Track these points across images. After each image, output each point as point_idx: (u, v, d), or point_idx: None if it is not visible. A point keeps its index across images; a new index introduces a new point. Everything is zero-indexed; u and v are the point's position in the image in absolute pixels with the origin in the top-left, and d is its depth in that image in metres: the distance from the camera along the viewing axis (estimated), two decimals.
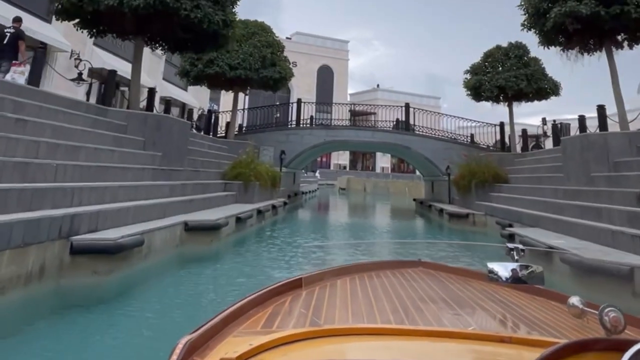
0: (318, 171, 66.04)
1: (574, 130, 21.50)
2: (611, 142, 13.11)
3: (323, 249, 12.01)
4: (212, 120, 25.96)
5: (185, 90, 38.35)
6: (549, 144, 26.08)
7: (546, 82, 23.09)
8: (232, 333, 1.96)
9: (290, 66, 26.09)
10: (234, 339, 1.85)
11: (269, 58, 24.02)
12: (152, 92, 18.86)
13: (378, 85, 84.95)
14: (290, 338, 1.74)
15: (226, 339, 1.87)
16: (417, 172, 72.60)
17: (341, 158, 77.11)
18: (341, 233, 18.21)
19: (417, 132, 27.64)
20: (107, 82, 15.62)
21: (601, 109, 16.08)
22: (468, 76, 25.29)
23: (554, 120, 24.12)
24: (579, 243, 10.13)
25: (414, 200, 33.12)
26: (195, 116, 28.36)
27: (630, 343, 1.26)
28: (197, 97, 38.86)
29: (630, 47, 15.04)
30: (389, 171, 74.85)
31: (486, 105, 24.88)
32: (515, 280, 2.38)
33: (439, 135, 27.42)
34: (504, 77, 23.11)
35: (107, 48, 25.91)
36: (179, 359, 1.57)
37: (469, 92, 24.84)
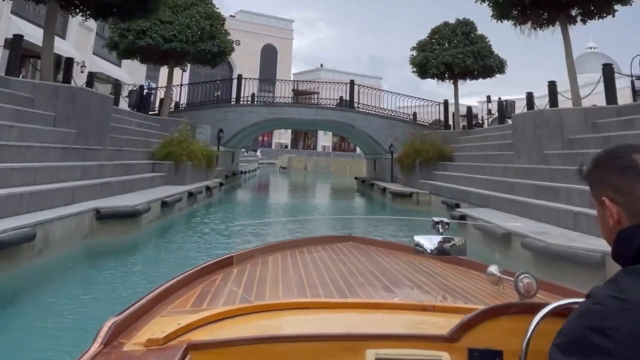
0: (259, 150, 64.45)
1: (520, 109, 20.90)
2: (566, 119, 12.31)
3: (258, 229, 11.00)
4: (144, 96, 23.84)
5: (119, 66, 35.82)
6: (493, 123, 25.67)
7: (492, 60, 22.54)
8: (160, 313, 1.91)
9: (234, 45, 24.38)
10: (161, 319, 1.80)
11: (207, 31, 22.22)
12: (69, 62, 16.81)
13: (322, 65, 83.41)
14: (219, 316, 1.75)
15: (154, 319, 1.81)
16: (358, 151, 72.43)
17: (283, 137, 75.86)
18: (278, 213, 16.93)
19: (361, 110, 26.51)
20: (12, 48, 13.55)
21: (552, 85, 15.33)
22: (414, 53, 24.40)
23: (499, 98, 23.51)
24: (537, 226, 9.22)
25: (356, 178, 32.16)
26: (125, 92, 26.08)
27: (540, 306, 1.46)
28: (132, 74, 36.36)
29: (584, 22, 14.34)
30: (330, 150, 74.09)
31: (428, 87, 24.30)
32: (440, 252, 2.47)
33: (383, 113, 26.36)
34: (451, 53, 22.37)
35: (27, 17, 23.32)
36: (104, 342, 1.51)
37: (415, 69, 24.03)
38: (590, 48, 69.74)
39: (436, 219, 2.61)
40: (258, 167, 45.54)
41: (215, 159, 22.25)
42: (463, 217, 11.31)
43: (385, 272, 2.77)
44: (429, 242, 2.49)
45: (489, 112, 25.82)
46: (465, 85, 24.24)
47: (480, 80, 23.46)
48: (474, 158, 17.58)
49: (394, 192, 19.18)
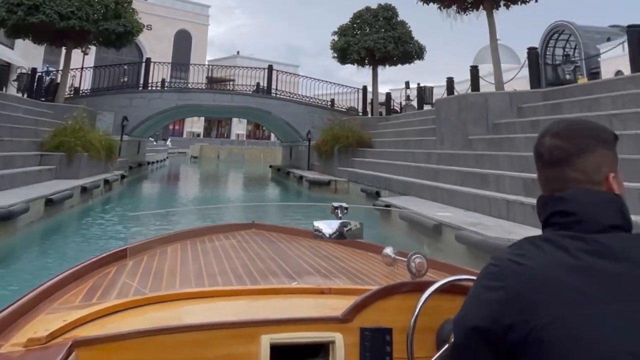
0: (169, 139, 61.72)
1: (439, 96, 20.55)
2: (491, 102, 11.79)
3: (162, 221, 9.86)
4: (38, 81, 21.42)
5: (11, 47, 32.49)
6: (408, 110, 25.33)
7: (412, 45, 22.15)
8: (45, 310, 1.81)
9: (145, 29, 22.36)
10: (46, 317, 1.71)
11: (112, 9, 19.97)
12: None
13: (238, 52, 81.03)
14: (110, 310, 1.68)
15: (37, 317, 1.72)
16: (273, 139, 71.41)
17: (195, 125, 73.33)
18: (185, 206, 15.54)
19: (279, 96, 25.31)
20: None
21: (474, 70, 14.90)
22: (336, 38, 23.55)
23: (418, 84, 23.12)
24: (468, 215, 8.54)
25: (271, 167, 31.05)
26: (13, 76, 23.38)
27: (429, 284, 1.57)
28: (27, 57, 33.10)
29: (507, 6, 13.99)
30: (245, 138, 72.52)
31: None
32: (338, 236, 2.48)
33: (301, 99, 25.30)
34: (373, 38, 21.71)
35: None
36: None
37: (336, 54, 23.26)
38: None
39: (335, 204, 2.58)
40: (167, 157, 43.23)
41: (118, 149, 20.47)
42: (388, 207, 10.53)
43: (285, 258, 2.78)
44: (328, 226, 2.48)
45: (408, 98, 25.41)
46: (384, 72, 23.89)
47: (400, 66, 23.10)
48: (394, 144, 16.95)
49: (311, 181, 18.26)
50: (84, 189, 12.71)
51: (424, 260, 1.93)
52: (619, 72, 18.27)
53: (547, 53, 39.15)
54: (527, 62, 13.21)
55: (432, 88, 22.70)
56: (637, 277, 1.06)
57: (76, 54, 21.86)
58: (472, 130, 11.77)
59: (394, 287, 1.67)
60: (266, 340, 1.50)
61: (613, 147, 1.25)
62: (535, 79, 12.59)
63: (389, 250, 2.31)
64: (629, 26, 11.08)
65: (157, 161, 34.86)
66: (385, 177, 13.83)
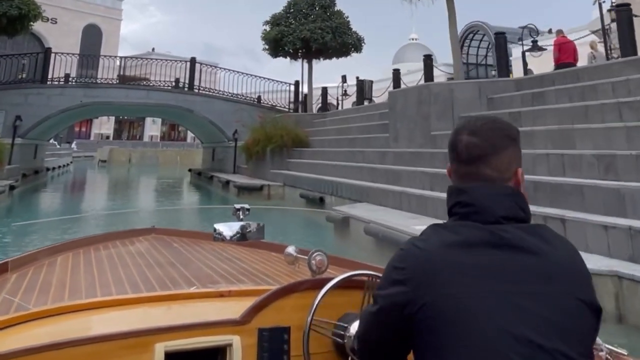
0: (75, 142, 57.21)
1: (380, 91, 18.93)
2: (458, 93, 10.18)
3: (54, 231, 8.55)
4: None
5: None
6: (347, 104, 23.73)
7: (350, 37, 20.70)
8: None
9: (50, 22, 19.20)
10: None
11: None
12: None
13: (153, 49, 76.65)
14: None
15: None
16: (189, 139, 68.32)
17: (104, 127, 69.31)
18: (88, 223, 13.03)
19: (203, 92, 22.86)
20: None
21: (428, 59, 13.36)
22: (267, 27, 21.62)
23: (357, 77, 21.43)
24: None
25: (190, 170, 28.42)
26: None
27: (327, 280, 1.60)
28: None
29: None
30: (159, 140, 69.28)
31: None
32: (240, 238, 2.53)
33: (227, 95, 22.87)
34: (309, 28, 19.95)
35: None
36: None
37: (267, 46, 21.38)
38: (413, 39, 74.48)
39: (237, 206, 2.60)
40: (71, 162, 39.40)
41: (9, 154, 17.48)
42: (346, 219, 8.72)
43: (185, 262, 2.72)
44: (229, 228, 2.48)
45: (345, 93, 23.64)
46: (318, 66, 21.96)
47: (334, 60, 21.53)
48: (336, 143, 15.12)
49: (240, 186, 16.09)
50: None
51: (325, 257, 1.96)
52: (529, 71, 17.71)
53: (463, 52, 39.57)
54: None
55: (371, 82, 21.10)
56: (521, 263, 1.18)
57: None
58: (436, 125, 10.13)
59: (292, 285, 1.69)
60: (160, 349, 1.46)
61: (519, 143, 1.35)
62: (504, 68, 11.15)
63: (291, 249, 2.31)
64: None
65: (60, 166, 31.33)
66: (329, 181, 11.98)
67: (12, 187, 15.20)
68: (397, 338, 1.25)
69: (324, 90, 22.21)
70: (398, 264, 1.25)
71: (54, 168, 28.26)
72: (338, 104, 24.27)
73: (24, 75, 23.39)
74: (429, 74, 13.32)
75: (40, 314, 1.68)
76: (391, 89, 14.39)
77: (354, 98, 23.37)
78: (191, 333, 1.51)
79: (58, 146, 40.80)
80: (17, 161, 18.37)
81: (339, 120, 17.56)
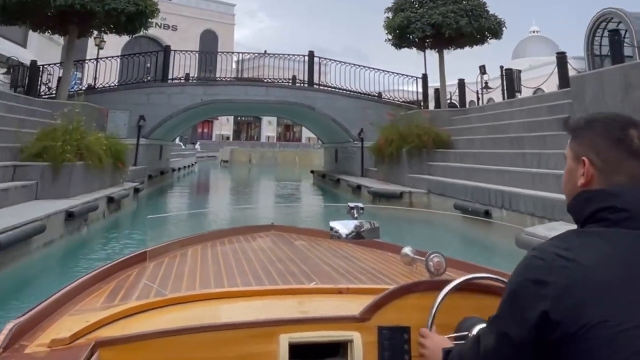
0: (199, 143, 58.35)
1: (530, 81, 15.95)
2: None
3: (182, 225, 8.03)
4: (32, 75, 17.60)
5: (24, 46, 28.89)
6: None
7: (488, 20, 17.62)
8: (68, 313, 1.79)
9: (171, 30, 18.54)
10: (69, 319, 1.70)
11: None
12: None
13: (266, 52, 77.42)
14: (131, 311, 1.69)
15: (61, 319, 1.71)
16: (304, 140, 67.53)
17: (224, 128, 70.63)
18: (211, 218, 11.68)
19: (325, 89, 21.09)
20: None
21: (561, 55, 10.45)
22: (390, 15, 19.11)
23: (502, 67, 18.39)
24: None
25: (313, 172, 26.70)
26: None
27: (447, 282, 1.55)
28: (42, 56, 29.50)
29: None
30: (275, 141, 69.39)
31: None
32: (356, 236, 2.49)
33: (351, 92, 20.75)
34: (440, 12, 17.21)
35: None
36: (3, 346, 1.41)
37: (391, 36, 18.86)
38: (534, 32, 69.43)
39: (352, 205, 2.57)
40: (196, 162, 39.56)
41: (134, 155, 16.60)
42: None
43: (304, 259, 2.76)
44: (345, 227, 2.46)
45: (486, 85, 20.66)
46: (434, 59, 19.21)
47: (455, 51, 18.78)
48: (492, 143, 12.56)
49: (377, 193, 13.95)
50: (69, 216, 8.61)
51: (443, 260, 1.96)
52: None
53: (595, 44, 34.75)
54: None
55: (519, 72, 18.02)
56: None
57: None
58: None
59: (411, 285, 1.67)
60: (285, 340, 1.50)
61: None
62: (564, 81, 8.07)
63: (407, 250, 2.34)
64: None
65: (185, 167, 31.12)
66: (496, 190, 9.49)
67: (137, 190, 14.03)
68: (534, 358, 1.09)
69: (462, 83, 19.40)
70: (541, 277, 1.06)
71: (179, 169, 28.01)
72: (478, 98, 21.33)
73: (149, 78, 22.94)
74: (563, 71, 10.43)
75: (175, 300, 1.79)
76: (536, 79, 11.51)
77: (494, 92, 20.38)
78: (313, 327, 1.55)
79: (183, 147, 41.26)
80: (143, 162, 17.77)
81: (489, 116, 14.87)
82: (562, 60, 13.09)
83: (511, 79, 16.29)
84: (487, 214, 9.29)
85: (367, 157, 18.66)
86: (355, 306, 1.62)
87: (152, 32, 37.54)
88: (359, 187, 15.81)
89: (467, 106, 20.00)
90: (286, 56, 23.11)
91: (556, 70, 13.02)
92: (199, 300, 1.82)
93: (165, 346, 1.43)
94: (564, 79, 12.40)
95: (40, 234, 7.28)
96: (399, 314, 1.58)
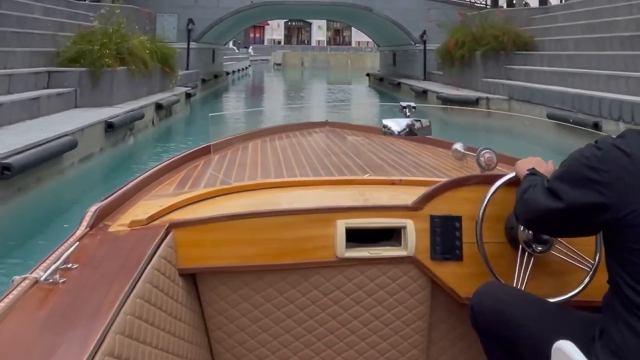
0: (251, 47, 56.23)
1: None
2: None
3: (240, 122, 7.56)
4: None
5: None
6: None
7: None
8: (143, 197, 1.84)
9: None
10: (145, 203, 1.75)
11: None
12: None
13: None
14: (200, 197, 1.75)
15: (137, 203, 1.76)
16: (354, 44, 64.53)
17: (275, 33, 68.29)
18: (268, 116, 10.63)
19: None
20: None
21: None
22: None
23: None
24: None
25: (368, 75, 24.47)
26: None
27: (498, 177, 1.54)
28: None
29: None
30: (325, 44, 66.54)
31: None
32: (407, 133, 2.57)
33: None
34: None
35: None
36: (89, 225, 1.46)
37: None
38: None
39: (404, 104, 2.56)
40: (249, 65, 37.88)
41: (186, 59, 15.13)
42: None
43: (357, 152, 2.76)
44: (397, 124, 2.50)
45: None
46: None
47: None
48: (592, 44, 10.20)
49: (447, 98, 12.01)
50: (109, 127, 7.18)
51: (494, 155, 1.88)
52: None
53: None
54: None
55: None
56: None
57: None
58: None
59: (463, 179, 1.67)
60: (342, 225, 1.54)
61: None
62: None
63: (458, 146, 2.25)
64: None
65: (239, 70, 30.02)
66: (607, 99, 7.48)
67: (188, 95, 12.51)
68: (581, 232, 1.22)
69: None
70: (597, 164, 1.10)
71: (233, 72, 26.94)
72: None
73: None
74: None
75: (239, 188, 1.86)
76: None
77: None
78: (368, 214, 1.60)
79: (237, 50, 39.36)
80: (195, 66, 16.51)
81: (582, 14, 12.14)
82: None
83: None
84: (597, 127, 7.31)
85: (429, 60, 16.86)
86: (407, 197, 1.64)
87: None
88: (425, 91, 13.85)
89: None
90: None
91: None
92: (261, 188, 1.88)
93: (232, 228, 1.52)
94: None
95: (71, 150, 5.91)
96: (450, 205, 1.59)
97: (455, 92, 12.34)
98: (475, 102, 11.18)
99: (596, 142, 1.14)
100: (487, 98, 11.16)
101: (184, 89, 12.65)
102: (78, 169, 6.28)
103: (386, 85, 19.76)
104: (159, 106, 9.90)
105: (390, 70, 21.91)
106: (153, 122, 9.73)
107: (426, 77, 16.91)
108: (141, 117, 8.66)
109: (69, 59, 8.57)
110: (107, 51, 8.66)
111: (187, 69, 15.43)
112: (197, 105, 14.04)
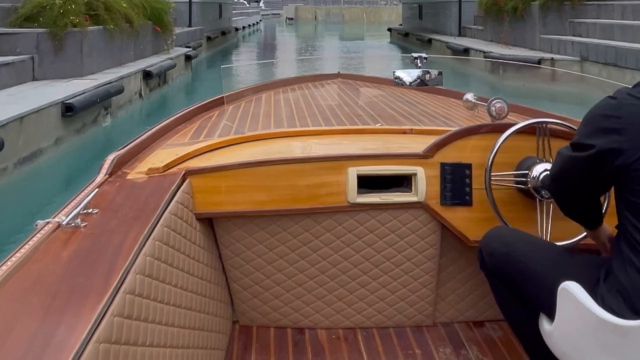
0: (262, 1, 52.77)
1: None
2: None
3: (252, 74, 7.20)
4: None
5: None
6: None
7: None
8: (159, 146, 1.84)
9: None
10: (161, 151, 1.76)
11: None
12: None
13: None
14: (215, 146, 1.77)
15: (154, 152, 1.77)
16: None
17: None
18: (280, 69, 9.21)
19: None
20: None
21: None
22: None
23: None
24: None
25: (389, 30, 21.83)
26: None
27: (508, 125, 1.54)
28: None
29: None
30: None
31: None
32: (419, 84, 2.42)
33: None
34: None
35: None
36: (108, 172, 1.48)
37: None
38: None
39: (415, 55, 2.41)
40: (260, 20, 35.18)
41: (188, 15, 13.02)
42: None
43: (369, 103, 2.78)
44: (407, 75, 2.39)
45: None
46: None
47: None
48: None
49: (500, 59, 9.58)
50: (68, 110, 5.11)
51: (505, 105, 1.87)
52: None
53: None
54: None
55: None
56: None
57: None
58: None
59: (473, 127, 1.66)
60: (353, 172, 1.57)
61: None
62: None
63: (469, 96, 2.24)
64: None
65: (249, 25, 27.81)
66: None
67: (188, 57, 10.29)
68: (599, 181, 1.19)
69: None
70: (611, 113, 1.12)
71: (243, 27, 24.86)
72: None
73: None
74: None
75: (253, 137, 1.90)
76: None
77: None
78: (378, 162, 1.62)
79: (247, 4, 36.50)
80: (199, 23, 14.24)
81: None
82: None
83: None
84: None
85: (464, 14, 14.39)
86: (418, 145, 1.65)
87: None
88: (466, 49, 11.45)
89: None
90: None
91: None
92: (274, 137, 1.90)
93: (246, 175, 1.55)
94: None
95: None
96: (461, 153, 1.59)
97: (510, 52, 9.96)
98: (537, 63, 8.86)
99: (612, 94, 1.15)
100: (552, 59, 8.86)
101: (183, 50, 10.43)
102: (15, 176, 4.26)
103: (413, 42, 17.22)
104: (147, 74, 7.74)
105: (415, 24, 19.31)
106: (141, 95, 7.62)
107: (461, 32, 14.46)
108: (119, 91, 6.52)
109: (24, 17, 6.40)
110: (73, 6, 6.46)
111: (189, 25, 13.18)
112: (201, 68, 11.89)
